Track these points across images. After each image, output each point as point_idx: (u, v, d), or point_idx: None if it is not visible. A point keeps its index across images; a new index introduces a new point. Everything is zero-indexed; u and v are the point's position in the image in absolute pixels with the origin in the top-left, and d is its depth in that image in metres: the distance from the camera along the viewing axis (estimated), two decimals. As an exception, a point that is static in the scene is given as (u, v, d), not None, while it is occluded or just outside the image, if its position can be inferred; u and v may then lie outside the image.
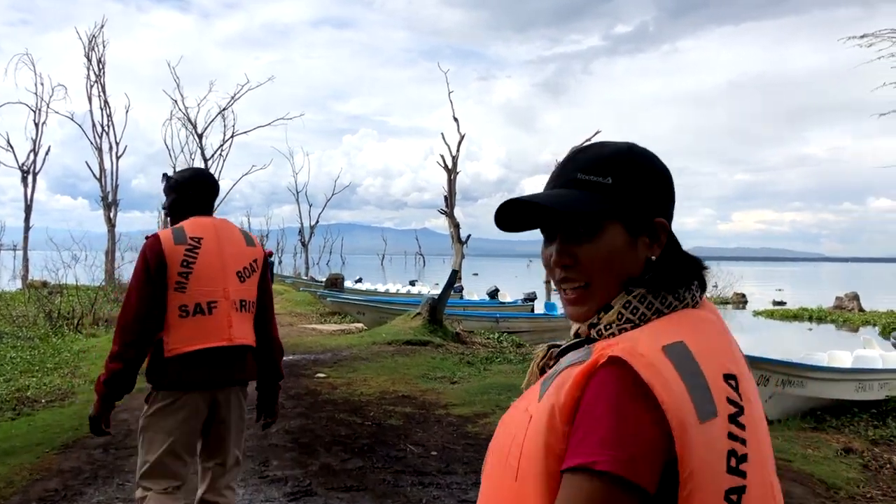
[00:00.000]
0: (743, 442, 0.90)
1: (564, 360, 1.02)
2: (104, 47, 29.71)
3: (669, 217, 1.07)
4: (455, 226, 51.51)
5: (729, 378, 0.93)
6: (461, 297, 28.55)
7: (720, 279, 33.26)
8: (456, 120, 49.95)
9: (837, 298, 26.68)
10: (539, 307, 21.76)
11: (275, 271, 49.97)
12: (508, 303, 23.99)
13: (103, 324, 14.41)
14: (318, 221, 56.69)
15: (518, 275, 63.48)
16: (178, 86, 33.80)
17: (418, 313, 14.44)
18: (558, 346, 1.12)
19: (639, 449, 0.87)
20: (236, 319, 2.95)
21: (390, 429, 6.24)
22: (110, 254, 26.87)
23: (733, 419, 0.91)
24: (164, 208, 3.20)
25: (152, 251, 2.86)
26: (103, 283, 19.89)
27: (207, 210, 3.11)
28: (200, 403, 2.91)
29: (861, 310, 25.70)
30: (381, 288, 29.12)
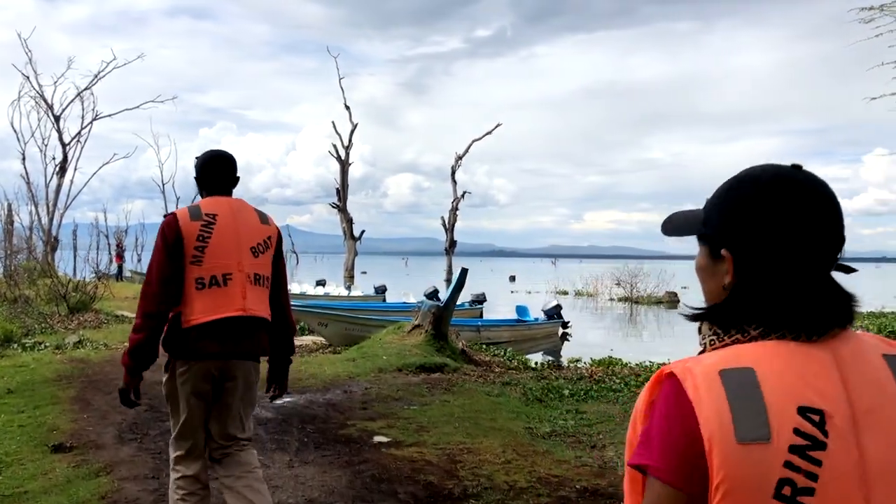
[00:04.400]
0: (811, 476, 0.91)
1: None
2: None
3: (753, 249, 1.05)
4: (348, 221, 47.68)
5: (807, 411, 0.93)
6: (383, 300, 25.18)
7: (655, 278, 31.87)
8: (348, 108, 45.75)
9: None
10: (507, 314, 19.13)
11: (139, 270, 44.36)
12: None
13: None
14: (187, 215, 50.65)
15: (410, 273, 61.55)
16: (30, 60, 28.48)
17: (416, 325, 11.04)
18: None
19: (678, 457, 0.95)
20: (251, 292, 3.04)
21: None
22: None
23: (798, 450, 0.91)
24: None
25: (169, 227, 3.01)
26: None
27: (224, 190, 3.22)
28: (213, 371, 3.01)
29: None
30: (295, 289, 24.82)
